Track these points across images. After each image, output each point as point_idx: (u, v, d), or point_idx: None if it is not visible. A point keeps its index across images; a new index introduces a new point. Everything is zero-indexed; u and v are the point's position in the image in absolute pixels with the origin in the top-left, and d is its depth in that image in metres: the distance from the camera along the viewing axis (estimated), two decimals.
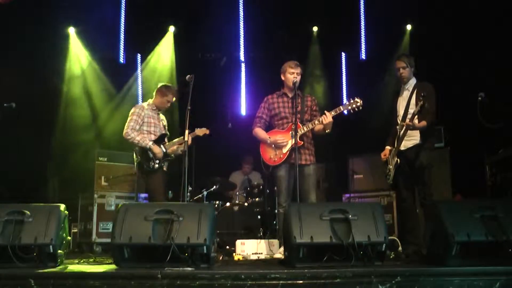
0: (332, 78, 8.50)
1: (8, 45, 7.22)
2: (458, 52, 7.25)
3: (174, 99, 5.88)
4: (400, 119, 5.11)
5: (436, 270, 3.49)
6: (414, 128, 4.93)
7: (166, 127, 5.95)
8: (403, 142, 5.05)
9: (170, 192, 6.40)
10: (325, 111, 5.07)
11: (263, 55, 8.56)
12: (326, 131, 5.12)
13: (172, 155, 5.74)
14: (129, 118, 5.69)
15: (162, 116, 5.96)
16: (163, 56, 8.50)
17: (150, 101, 5.87)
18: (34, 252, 3.77)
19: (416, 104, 4.95)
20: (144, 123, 5.69)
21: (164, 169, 5.70)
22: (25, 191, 7.02)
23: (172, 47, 8.47)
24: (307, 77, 8.08)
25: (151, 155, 5.57)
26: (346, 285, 3.30)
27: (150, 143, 5.58)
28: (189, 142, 5.30)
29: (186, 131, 5.10)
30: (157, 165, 5.57)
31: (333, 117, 5.02)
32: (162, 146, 5.67)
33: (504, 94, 6.25)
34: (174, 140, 5.80)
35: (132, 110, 5.76)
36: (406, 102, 5.10)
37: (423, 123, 4.93)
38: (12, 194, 6.37)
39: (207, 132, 5.89)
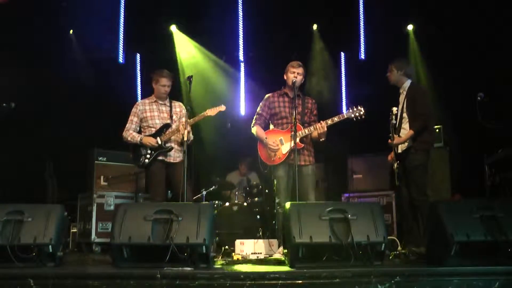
0: (331, 78, 8.49)
1: (7, 45, 7.21)
2: (458, 52, 7.26)
3: (169, 81, 5.58)
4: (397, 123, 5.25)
5: (435, 270, 3.49)
6: (399, 143, 5.13)
7: (177, 116, 5.66)
8: (400, 145, 5.21)
9: (169, 192, 6.37)
10: (321, 121, 5.10)
11: (262, 55, 8.56)
12: (321, 139, 5.16)
13: (171, 145, 5.48)
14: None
15: (175, 103, 5.72)
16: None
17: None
18: (33, 252, 3.77)
19: (407, 106, 5.12)
20: (142, 119, 5.60)
21: (172, 160, 5.49)
22: (24, 191, 7.01)
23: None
24: (306, 77, 8.07)
25: (143, 151, 5.46)
26: (345, 285, 3.30)
27: (139, 137, 5.47)
28: (188, 128, 5.16)
29: (185, 131, 5.07)
30: (147, 160, 5.43)
31: (329, 126, 5.07)
32: (158, 138, 5.46)
33: (504, 94, 6.25)
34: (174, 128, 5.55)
35: None
36: (401, 106, 5.20)
37: (410, 132, 5.08)
38: (11, 194, 6.36)
39: (222, 108, 5.55)
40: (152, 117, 5.59)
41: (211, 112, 5.48)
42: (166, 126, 5.54)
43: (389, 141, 5.14)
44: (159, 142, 5.44)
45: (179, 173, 5.26)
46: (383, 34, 7.89)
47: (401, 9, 7.64)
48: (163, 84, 5.57)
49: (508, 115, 5.77)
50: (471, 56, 7.06)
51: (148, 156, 5.46)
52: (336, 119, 5.06)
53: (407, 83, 5.28)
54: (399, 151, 5.18)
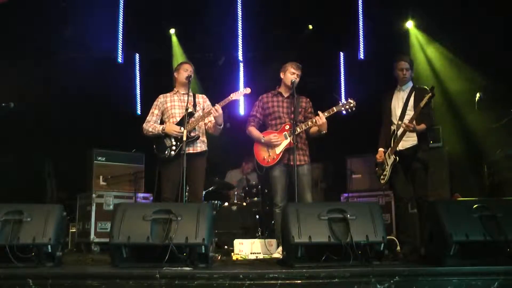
0: (330, 78, 8.50)
1: (8, 45, 7.21)
2: (458, 51, 7.26)
3: (190, 68, 5.42)
4: (397, 120, 5.11)
5: (434, 270, 3.49)
6: (414, 130, 4.92)
7: (200, 106, 5.44)
8: (401, 142, 5.04)
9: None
10: (319, 112, 5.09)
11: (262, 55, 8.56)
12: (322, 132, 5.14)
13: (196, 134, 5.26)
14: None
15: (198, 95, 5.55)
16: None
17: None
18: (32, 252, 3.76)
19: (415, 106, 4.97)
20: (163, 111, 5.41)
21: (192, 150, 5.19)
22: (23, 191, 7.01)
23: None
24: (305, 77, 8.08)
25: (167, 143, 5.23)
26: (344, 284, 3.30)
27: (161, 127, 5.26)
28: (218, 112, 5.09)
29: (185, 131, 5.04)
30: (173, 152, 5.17)
31: (326, 118, 5.05)
32: (181, 127, 5.15)
33: (504, 94, 6.26)
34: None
35: None
36: (404, 103, 5.09)
37: (423, 126, 4.97)
38: (10, 194, 6.37)
39: (248, 91, 5.34)
40: (172, 106, 5.37)
41: (236, 96, 5.30)
42: (189, 115, 5.20)
43: (407, 122, 4.87)
44: (183, 130, 5.07)
45: (198, 163, 5.25)
46: (382, 34, 7.89)
47: (401, 8, 7.64)
48: (185, 68, 5.41)
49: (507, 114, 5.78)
50: (471, 55, 7.06)
51: (174, 148, 5.20)
52: (326, 113, 5.05)
53: (410, 82, 5.24)
54: (400, 148, 5.06)
